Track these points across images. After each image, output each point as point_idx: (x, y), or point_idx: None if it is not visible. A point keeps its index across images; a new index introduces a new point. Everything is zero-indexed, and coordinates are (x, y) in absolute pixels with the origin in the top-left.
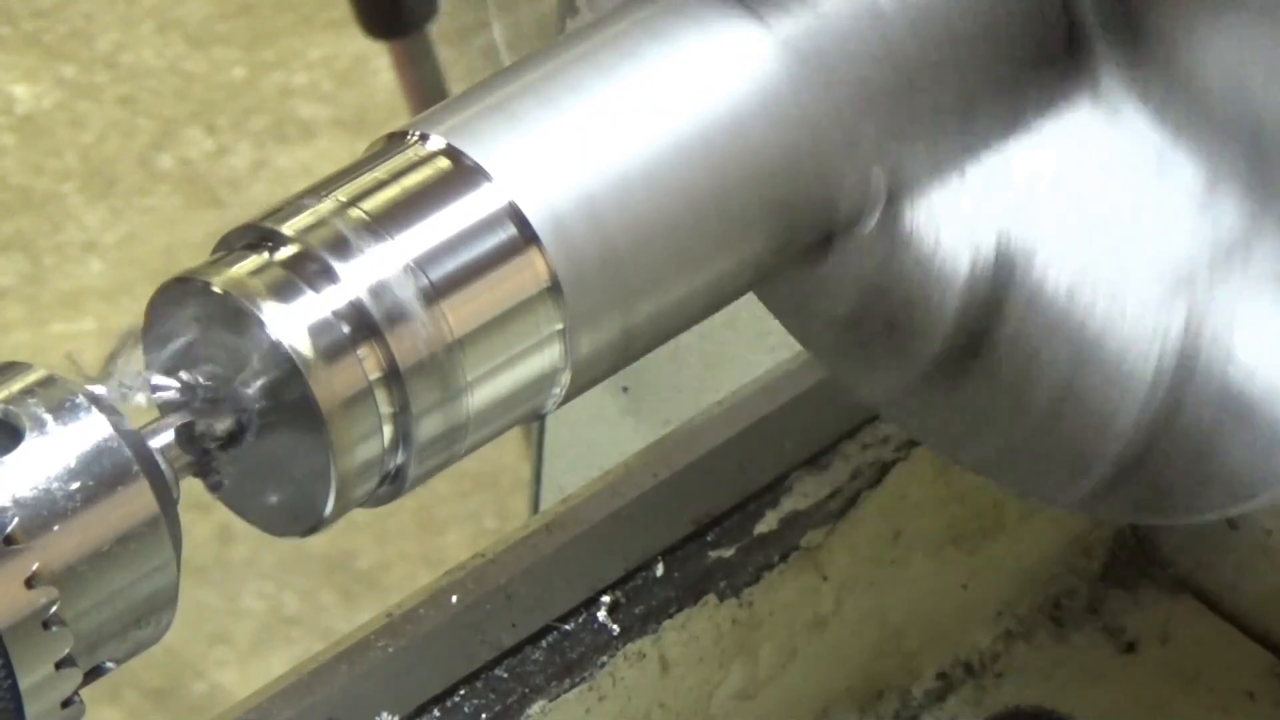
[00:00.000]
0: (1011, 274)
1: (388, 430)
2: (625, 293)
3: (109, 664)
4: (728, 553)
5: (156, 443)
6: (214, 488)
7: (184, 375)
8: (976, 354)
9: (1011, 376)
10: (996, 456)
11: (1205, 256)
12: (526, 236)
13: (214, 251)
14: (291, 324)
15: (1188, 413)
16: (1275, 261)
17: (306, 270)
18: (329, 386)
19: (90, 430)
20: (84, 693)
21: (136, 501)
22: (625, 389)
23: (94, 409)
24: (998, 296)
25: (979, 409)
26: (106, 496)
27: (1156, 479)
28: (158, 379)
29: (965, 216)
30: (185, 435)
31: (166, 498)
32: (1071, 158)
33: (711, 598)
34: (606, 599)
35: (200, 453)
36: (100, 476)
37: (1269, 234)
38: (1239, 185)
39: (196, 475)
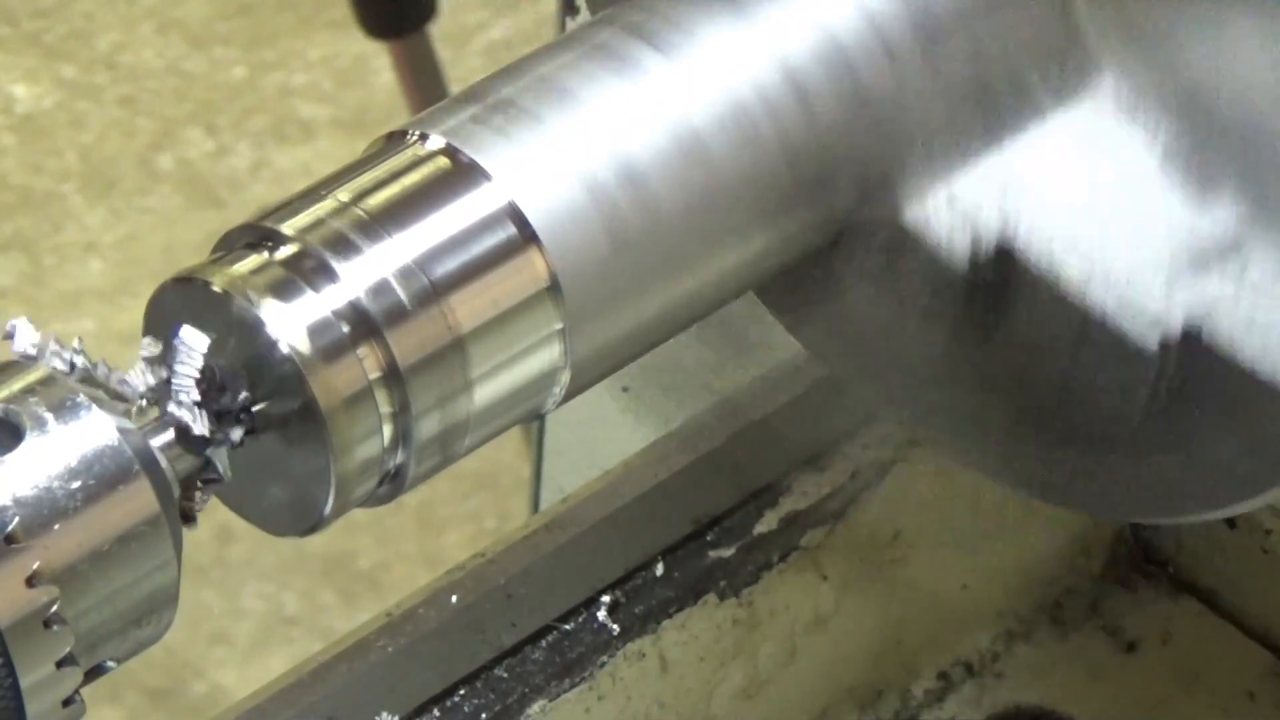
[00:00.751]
0: (1013, 268)
1: (387, 430)
2: (625, 292)
3: (110, 663)
4: (728, 553)
5: (157, 442)
6: (211, 481)
7: (185, 375)
8: (977, 351)
9: (1012, 370)
10: (996, 454)
11: (1203, 254)
12: (526, 236)
13: (214, 251)
14: (291, 323)
15: (1187, 411)
16: (1271, 261)
17: (306, 270)
18: (329, 386)
19: (91, 429)
20: (84, 692)
21: (137, 500)
22: (625, 389)
23: (95, 408)
24: (1000, 290)
25: (980, 405)
26: (107, 495)
27: (1156, 478)
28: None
29: (968, 210)
30: (186, 434)
31: (167, 496)
32: (1071, 156)
33: (711, 598)
34: (606, 599)
35: (200, 452)
36: (101, 475)
37: (1264, 234)
38: (1235, 185)
39: (197, 474)
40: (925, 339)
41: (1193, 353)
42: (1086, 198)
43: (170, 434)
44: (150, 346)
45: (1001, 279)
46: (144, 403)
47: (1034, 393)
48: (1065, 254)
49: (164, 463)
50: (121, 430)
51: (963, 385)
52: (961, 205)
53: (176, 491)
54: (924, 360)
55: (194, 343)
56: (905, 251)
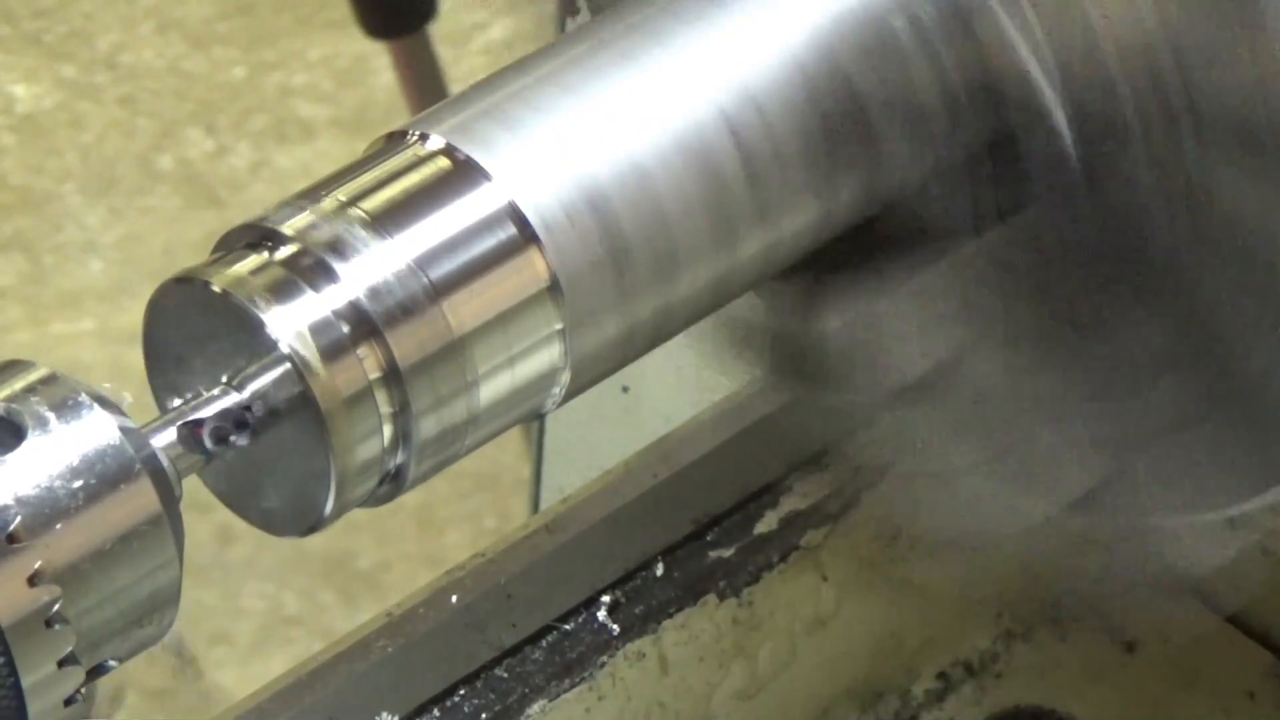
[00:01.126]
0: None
1: (387, 430)
2: (625, 292)
3: (111, 662)
4: (728, 553)
5: (159, 441)
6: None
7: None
8: (953, 375)
9: (983, 407)
10: (980, 464)
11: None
12: (526, 236)
13: (214, 251)
14: (291, 324)
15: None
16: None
17: (306, 270)
18: (329, 386)
19: (93, 429)
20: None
21: (139, 500)
22: (625, 389)
23: (96, 407)
24: (961, 351)
25: (954, 428)
26: (109, 495)
27: (1156, 479)
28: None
29: (937, 285)
30: (187, 434)
31: (169, 496)
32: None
33: (711, 598)
34: (606, 599)
35: (202, 451)
36: (103, 475)
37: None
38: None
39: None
40: (901, 364)
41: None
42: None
43: (172, 433)
44: (150, 347)
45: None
46: None
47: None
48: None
49: (166, 462)
50: (123, 429)
51: (934, 411)
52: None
53: (178, 491)
54: (898, 383)
55: (193, 343)
56: (889, 265)
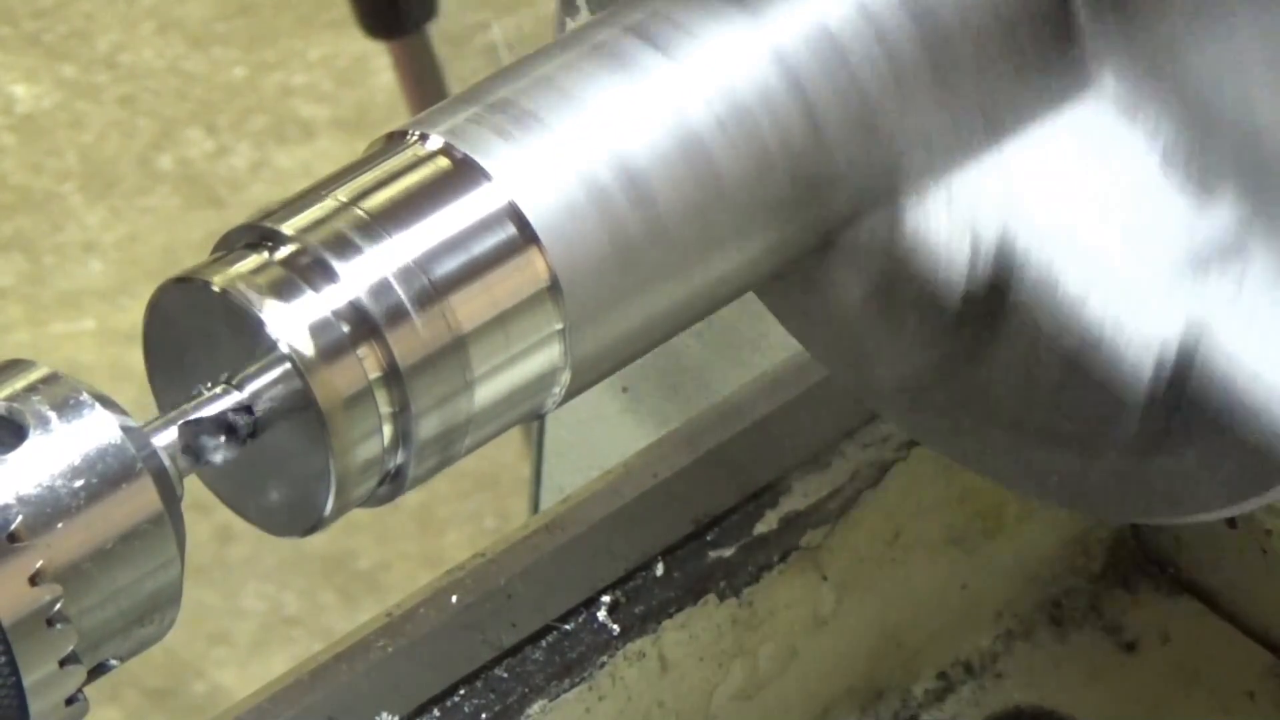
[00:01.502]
0: (1011, 273)
1: (387, 430)
2: (625, 292)
3: (113, 661)
4: (728, 553)
5: (160, 440)
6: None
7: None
8: (976, 354)
9: (1010, 377)
10: (995, 454)
11: (1203, 257)
12: (526, 236)
13: (214, 251)
14: (291, 323)
15: (1187, 411)
16: (1271, 262)
17: (306, 270)
18: (329, 386)
19: (94, 428)
20: (83, 691)
21: (141, 499)
22: (625, 389)
23: (98, 406)
24: (999, 294)
25: (979, 409)
26: (110, 494)
27: (1156, 480)
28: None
29: (967, 213)
30: (189, 433)
31: (170, 495)
32: (1071, 158)
33: (711, 598)
34: (606, 599)
35: (203, 451)
36: (104, 474)
37: (1264, 236)
38: (1235, 187)
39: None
40: (922, 343)
41: (1192, 357)
42: (1086, 202)
43: (174, 432)
44: (150, 347)
45: (1000, 285)
46: None
47: (1030, 399)
48: (1064, 261)
49: (167, 461)
50: (125, 429)
51: (959, 391)
52: (961, 209)
53: (180, 490)
54: (920, 364)
55: (193, 343)
56: (904, 255)
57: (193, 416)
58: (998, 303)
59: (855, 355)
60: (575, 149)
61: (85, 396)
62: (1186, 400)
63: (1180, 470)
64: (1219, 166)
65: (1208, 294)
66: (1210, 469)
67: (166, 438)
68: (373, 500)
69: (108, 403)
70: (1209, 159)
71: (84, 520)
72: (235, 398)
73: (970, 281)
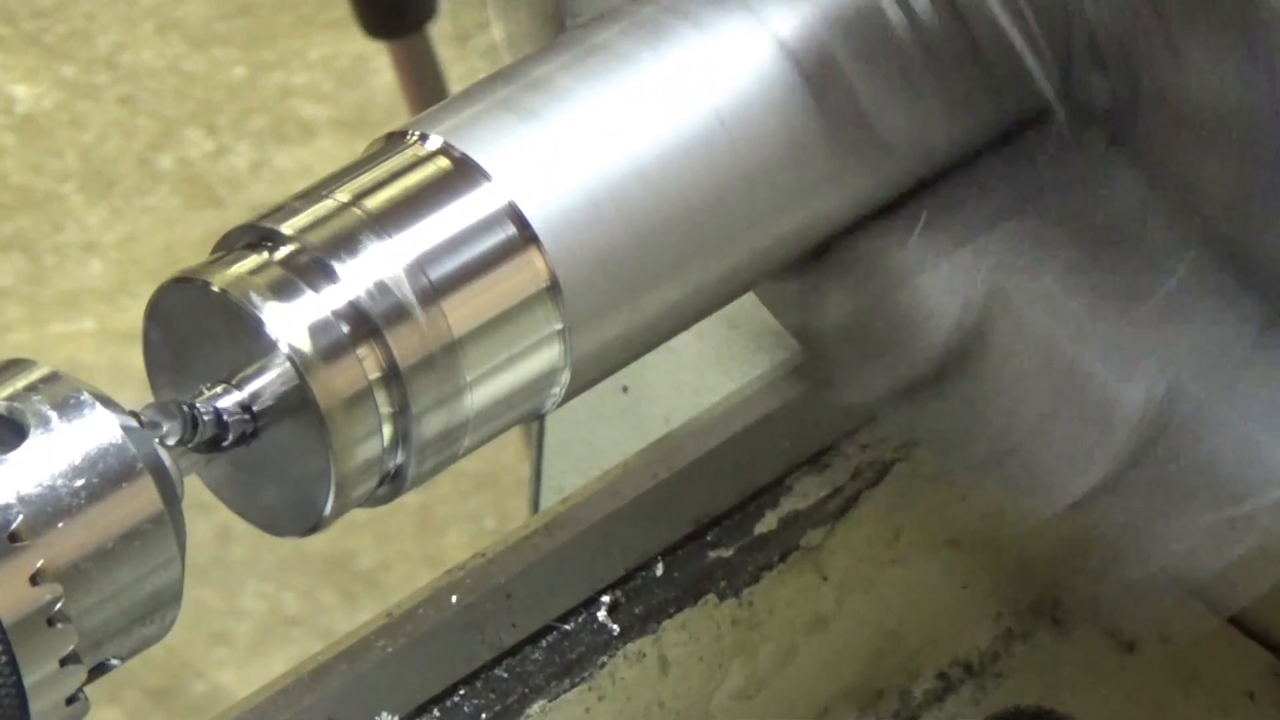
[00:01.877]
0: (1002, 305)
1: (387, 430)
2: (625, 293)
3: (114, 661)
4: (728, 553)
5: (161, 439)
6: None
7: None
8: (965, 372)
9: (999, 396)
10: (989, 461)
11: (1185, 310)
12: (526, 236)
13: (213, 251)
14: (291, 323)
15: (1185, 412)
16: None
17: (306, 270)
18: (329, 386)
19: (95, 427)
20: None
21: (141, 499)
22: (625, 389)
23: (99, 406)
24: (987, 324)
25: (967, 420)
26: (111, 494)
27: (1154, 481)
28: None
29: (960, 231)
30: (189, 433)
31: (171, 495)
32: (1062, 199)
33: (711, 598)
34: (606, 599)
35: (204, 450)
36: (105, 474)
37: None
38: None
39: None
40: (904, 365)
41: (1170, 414)
42: (1075, 251)
43: (176, 431)
44: (149, 347)
45: (987, 314)
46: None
47: (1020, 412)
48: (1047, 303)
49: (168, 461)
50: (125, 428)
51: (947, 401)
52: (955, 228)
53: (180, 490)
54: (903, 382)
55: (193, 343)
56: (891, 279)
57: (195, 415)
58: (984, 333)
59: (847, 361)
60: (575, 149)
61: (86, 396)
62: (1158, 455)
63: (1178, 472)
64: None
65: (1188, 348)
66: (1208, 471)
67: (169, 436)
68: (373, 500)
69: (108, 403)
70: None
71: (84, 520)
72: (235, 397)
73: (960, 308)
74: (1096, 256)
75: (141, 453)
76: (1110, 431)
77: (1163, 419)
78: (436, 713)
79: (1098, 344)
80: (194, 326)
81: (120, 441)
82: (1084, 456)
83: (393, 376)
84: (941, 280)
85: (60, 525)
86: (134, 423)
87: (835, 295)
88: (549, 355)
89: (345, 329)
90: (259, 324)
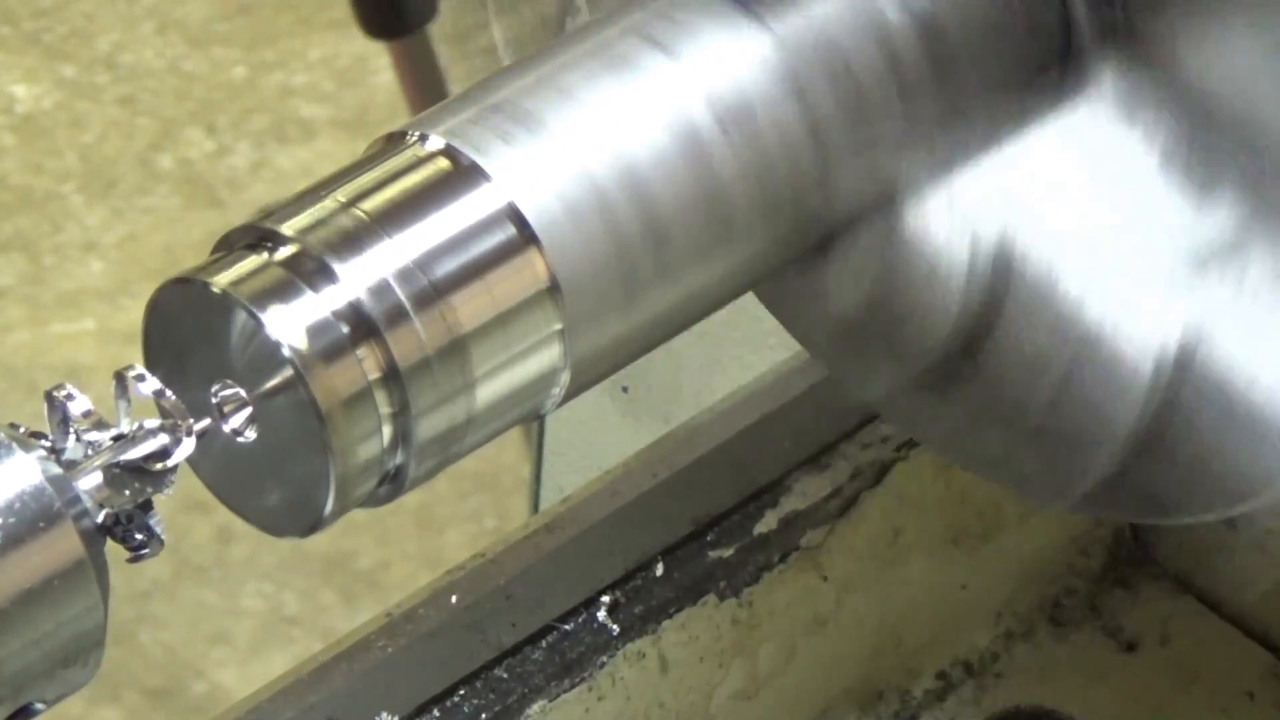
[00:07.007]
0: (1010, 276)
1: (387, 430)
2: (625, 293)
3: (38, 705)
4: (727, 553)
5: (83, 484)
6: (134, 549)
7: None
8: (975, 355)
9: (1009, 378)
10: (994, 457)
11: (1202, 258)
12: (526, 236)
13: (213, 252)
14: (291, 324)
15: (1186, 412)
16: (1271, 263)
17: (306, 270)
18: (328, 386)
19: (14, 471)
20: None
21: (61, 545)
22: (625, 389)
23: (17, 449)
24: (997, 298)
25: (977, 410)
26: (30, 539)
27: (1155, 479)
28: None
29: (966, 217)
30: (114, 476)
31: (92, 539)
32: (1070, 159)
33: (711, 598)
34: (606, 599)
35: (128, 492)
36: (23, 517)
37: (1264, 236)
38: (1235, 187)
39: (119, 524)
40: (919, 345)
41: (1191, 359)
42: (1085, 204)
43: (98, 477)
44: (149, 348)
45: (998, 287)
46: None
47: (1026, 401)
48: (1063, 262)
49: (90, 505)
50: (45, 473)
51: (956, 391)
52: (960, 211)
53: (103, 538)
54: (917, 365)
55: (193, 343)
56: (902, 258)
57: (120, 459)
58: (996, 305)
59: (852, 357)
60: (575, 149)
61: (4, 438)
62: (1184, 400)
63: (1174, 473)
64: (1218, 166)
65: (1207, 296)
66: (1205, 472)
67: (91, 481)
68: (373, 501)
69: (29, 444)
70: (1208, 158)
71: (2, 565)
72: (234, 399)
73: (969, 283)
74: (1108, 199)
75: (63, 497)
76: (1128, 392)
77: (1180, 375)
78: (436, 713)
79: (1114, 298)
80: (194, 327)
81: (39, 485)
82: (1103, 423)
83: (393, 377)
84: (951, 225)
85: None
86: (55, 468)
87: (845, 279)
88: (549, 355)
89: (345, 329)
90: (259, 325)
